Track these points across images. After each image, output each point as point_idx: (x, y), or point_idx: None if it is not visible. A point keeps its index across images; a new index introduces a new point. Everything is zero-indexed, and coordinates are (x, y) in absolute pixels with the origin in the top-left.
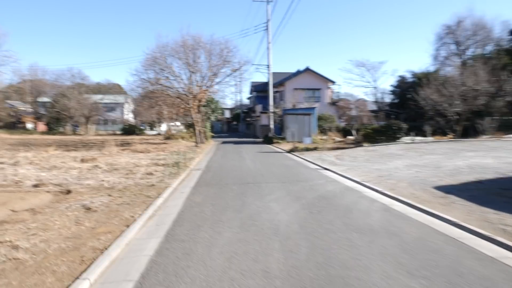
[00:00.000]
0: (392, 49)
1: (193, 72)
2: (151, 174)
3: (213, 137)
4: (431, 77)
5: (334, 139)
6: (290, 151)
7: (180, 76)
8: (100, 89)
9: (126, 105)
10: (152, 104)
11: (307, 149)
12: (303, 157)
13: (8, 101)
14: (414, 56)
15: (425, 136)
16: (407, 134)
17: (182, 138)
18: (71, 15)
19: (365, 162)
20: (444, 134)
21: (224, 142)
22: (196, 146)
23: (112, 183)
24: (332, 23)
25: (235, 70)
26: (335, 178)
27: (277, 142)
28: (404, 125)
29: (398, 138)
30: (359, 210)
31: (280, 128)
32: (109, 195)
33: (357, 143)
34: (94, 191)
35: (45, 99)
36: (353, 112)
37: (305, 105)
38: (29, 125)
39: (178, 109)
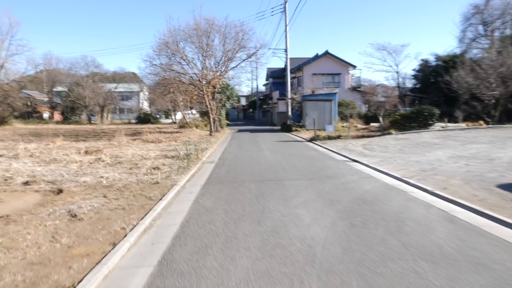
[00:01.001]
0: (415, 32)
1: (206, 57)
2: (157, 168)
3: (228, 125)
4: (458, 59)
5: (356, 126)
6: (311, 140)
7: (193, 61)
8: (116, 77)
9: (141, 94)
10: (165, 91)
11: (330, 138)
12: (327, 147)
13: (25, 91)
14: (438, 39)
15: (456, 122)
16: (439, 121)
17: (197, 126)
18: (83, 3)
19: (399, 152)
20: (478, 119)
21: (240, 131)
22: (210, 135)
23: (112, 180)
24: (351, 8)
25: (251, 55)
26: (369, 173)
27: (296, 130)
28: (437, 111)
29: (430, 124)
30: (414, 221)
31: (299, 115)
32: (104, 196)
33: (384, 131)
34: (89, 191)
35: (60, 89)
36: (378, 98)
37: (324, 91)
38: (45, 115)
39: (192, 96)
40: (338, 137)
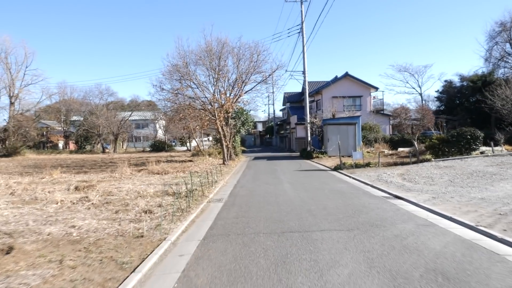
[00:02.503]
0: (437, 52)
1: (218, 80)
2: (149, 212)
3: (244, 152)
4: (488, 79)
5: (383, 151)
6: (336, 169)
7: (203, 84)
8: (130, 106)
9: (158, 122)
10: (176, 118)
11: (357, 166)
12: (357, 178)
13: (43, 121)
14: (461, 59)
15: (497, 145)
16: (483, 145)
17: (210, 154)
18: (96, 30)
19: (451, 185)
20: None
21: (256, 158)
22: (223, 164)
23: (86, 230)
24: (370, 30)
25: (267, 77)
26: (427, 218)
27: (317, 157)
28: (480, 133)
29: (474, 149)
30: None
31: (320, 141)
32: (60, 262)
33: (418, 157)
34: (46, 249)
35: (76, 118)
36: (409, 120)
37: (346, 114)
38: (61, 145)
39: (204, 122)
40: (367, 165)
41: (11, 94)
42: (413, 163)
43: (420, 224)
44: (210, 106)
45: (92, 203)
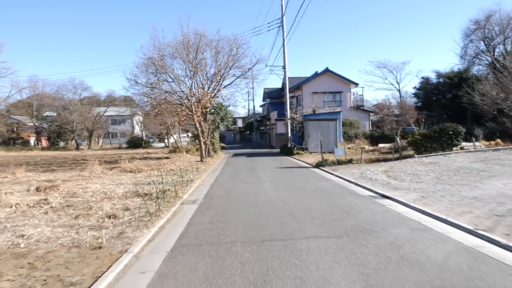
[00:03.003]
0: (415, 49)
1: (195, 73)
2: (114, 217)
3: (223, 148)
4: (464, 75)
5: (363, 147)
6: (318, 166)
7: (179, 77)
8: (106, 101)
9: (135, 117)
10: (151, 113)
11: (339, 163)
12: (341, 175)
13: (14, 117)
14: (438, 56)
15: (476, 141)
16: (464, 140)
17: (187, 151)
18: (67, 25)
19: (439, 183)
20: (500, 138)
21: (236, 155)
22: (201, 161)
23: (36, 240)
24: (350, 26)
25: (246, 71)
26: (420, 221)
27: (298, 154)
28: (462, 129)
29: (456, 145)
30: None
31: (300, 137)
32: None
33: (400, 153)
34: None
35: (49, 113)
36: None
37: (326, 110)
38: (33, 141)
39: (180, 117)
40: (349, 161)
41: None
42: (396, 159)
43: (415, 229)
44: (187, 100)
45: (51, 207)
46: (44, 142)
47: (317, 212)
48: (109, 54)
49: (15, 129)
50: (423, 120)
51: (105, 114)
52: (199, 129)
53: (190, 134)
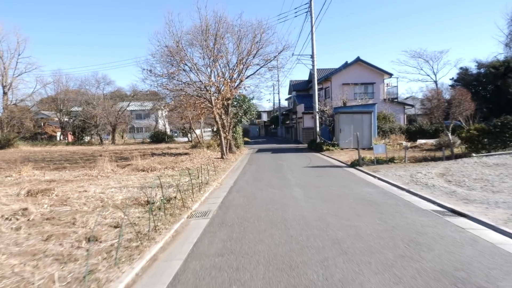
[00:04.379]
0: (452, 39)
1: (216, 60)
2: (95, 239)
3: (248, 143)
4: None
5: (401, 144)
6: (354, 165)
7: (196, 65)
8: (131, 95)
9: (160, 112)
10: (170, 106)
11: (378, 162)
12: (384, 178)
13: (43, 112)
14: (478, 46)
15: None
16: None
17: (208, 147)
18: (88, 17)
19: None
20: None
21: (259, 150)
22: (221, 158)
23: None
24: (381, 20)
25: (271, 59)
26: None
27: (328, 150)
28: None
29: None
30: None
31: (330, 132)
32: None
33: (452, 151)
34: None
35: (76, 108)
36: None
37: (358, 102)
38: (58, 136)
39: (201, 110)
40: (391, 160)
41: (4, 84)
42: (447, 158)
43: None
44: (206, 91)
45: (29, 220)
46: (70, 137)
47: (372, 240)
48: (131, 47)
49: (42, 124)
50: (472, 114)
51: (128, 108)
52: (219, 122)
53: (215, 129)
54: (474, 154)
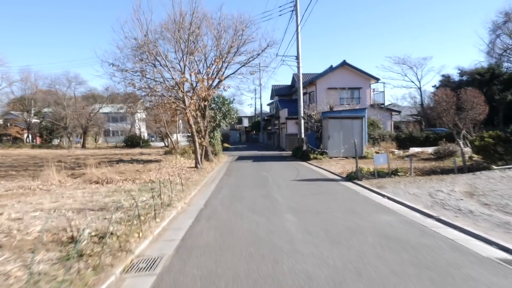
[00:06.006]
0: (435, 47)
1: (190, 53)
2: None
3: (227, 149)
4: (497, 71)
5: (393, 152)
6: (351, 178)
7: (167, 58)
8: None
9: (137, 115)
10: (132, 107)
11: (380, 174)
12: (398, 199)
13: (13, 112)
14: (459, 54)
15: None
16: None
17: (183, 153)
18: (60, 13)
19: None
20: None
21: (240, 158)
22: (195, 167)
23: None
24: (366, 24)
25: (254, 57)
26: None
27: (316, 158)
28: None
29: None
30: None
31: (317, 138)
32: None
33: (464, 163)
34: None
35: (46, 109)
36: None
37: (345, 107)
38: (28, 138)
39: (173, 112)
40: (394, 173)
41: None
42: (459, 170)
43: None
44: (178, 89)
45: None
46: (39, 140)
47: None
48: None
49: (8, 125)
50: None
51: (103, 110)
52: (193, 126)
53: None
54: (494, 166)
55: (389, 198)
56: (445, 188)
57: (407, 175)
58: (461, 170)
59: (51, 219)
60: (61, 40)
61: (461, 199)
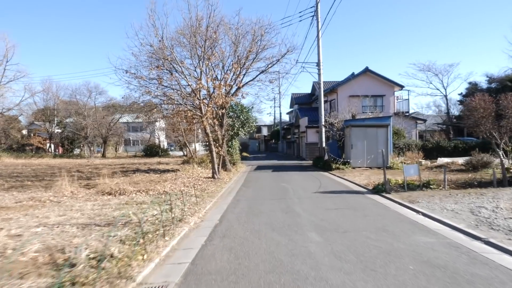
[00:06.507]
0: (463, 53)
1: (207, 59)
2: None
3: (246, 158)
4: None
5: (420, 162)
6: (378, 191)
7: (183, 64)
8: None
9: (157, 124)
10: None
11: (409, 187)
12: (435, 216)
13: (36, 122)
14: (487, 60)
15: None
16: None
17: (200, 163)
18: (79, 25)
19: None
20: None
21: (259, 168)
22: (212, 177)
23: None
24: (390, 34)
25: (274, 63)
26: None
27: (338, 168)
28: None
29: None
30: None
31: (340, 147)
32: None
33: (505, 176)
34: None
35: (69, 119)
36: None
37: (368, 115)
38: (51, 148)
39: (190, 120)
40: (426, 185)
41: None
42: (499, 183)
43: None
44: (194, 95)
45: None
46: (61, 149)
47: None
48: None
49: (31, 135)
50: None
51: (123, 120)
52: (210, 135)
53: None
54: None
55: (424, 214)
56: (488, 204)
57: (440, 188)
58: (501, 183)
59: (52, 236)
60: (81, 50)
61: (510, 218)
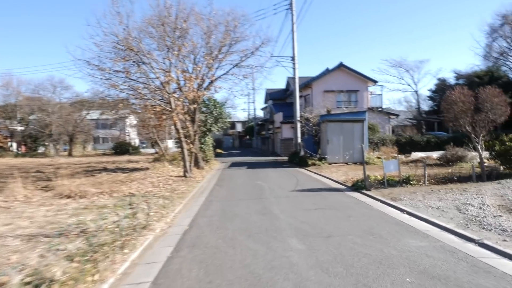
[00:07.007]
0: (431, 50)
1: (178, 50)
2: None
3: (220, 155)
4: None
5: (395, 156)
6: (358, 188)
7: (150, 54)
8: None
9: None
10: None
11: (389, 183)
12: (421, 215)
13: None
14: (455, 57)
15: None
16: None
17: (172, 160)
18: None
19: None
20: None
21: (233, 165)
22: (183, 176)
23: None
24: (362, 27)
25: (248, 56)
26: None
27: (314, 164)
28: None
29: None
30: None
31: (315, 143)
32: None
33: (483, 170)
34: None
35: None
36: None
37: (343, 110)
38: (13, 147)
39: (159, 115)
40: (405, 181)
41: None
42: (478, 178)
43: None
44: (163, 89)
45: None
46: (24, 148)
47: None
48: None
49: None
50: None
51: (91, 116)
52: (180, 131)
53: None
54: None
55: (409, 213)
56: (474, 201)
57: (420, 183)
58: (480, 177)
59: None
60: (43, 42)
61: (500, 216)
